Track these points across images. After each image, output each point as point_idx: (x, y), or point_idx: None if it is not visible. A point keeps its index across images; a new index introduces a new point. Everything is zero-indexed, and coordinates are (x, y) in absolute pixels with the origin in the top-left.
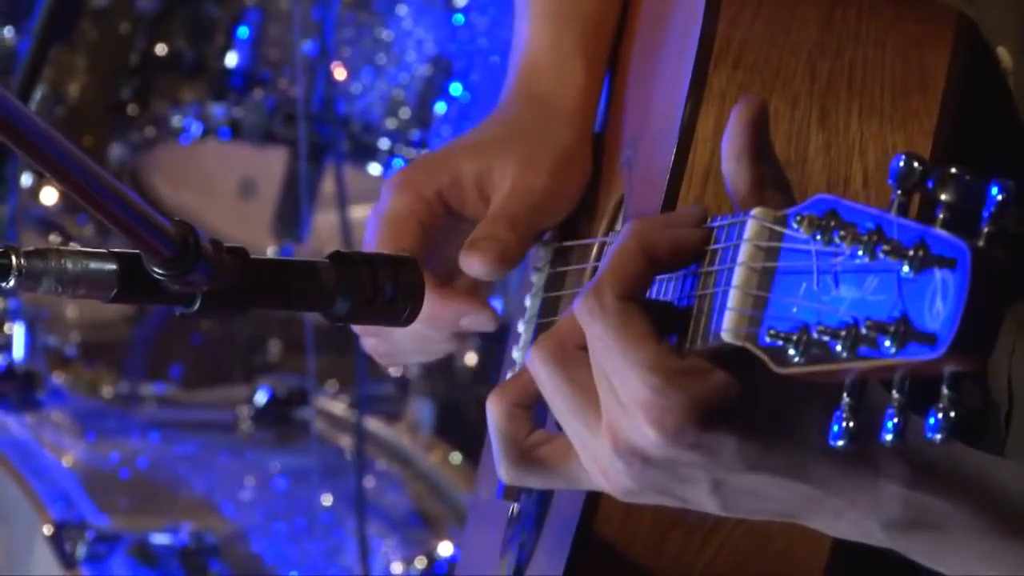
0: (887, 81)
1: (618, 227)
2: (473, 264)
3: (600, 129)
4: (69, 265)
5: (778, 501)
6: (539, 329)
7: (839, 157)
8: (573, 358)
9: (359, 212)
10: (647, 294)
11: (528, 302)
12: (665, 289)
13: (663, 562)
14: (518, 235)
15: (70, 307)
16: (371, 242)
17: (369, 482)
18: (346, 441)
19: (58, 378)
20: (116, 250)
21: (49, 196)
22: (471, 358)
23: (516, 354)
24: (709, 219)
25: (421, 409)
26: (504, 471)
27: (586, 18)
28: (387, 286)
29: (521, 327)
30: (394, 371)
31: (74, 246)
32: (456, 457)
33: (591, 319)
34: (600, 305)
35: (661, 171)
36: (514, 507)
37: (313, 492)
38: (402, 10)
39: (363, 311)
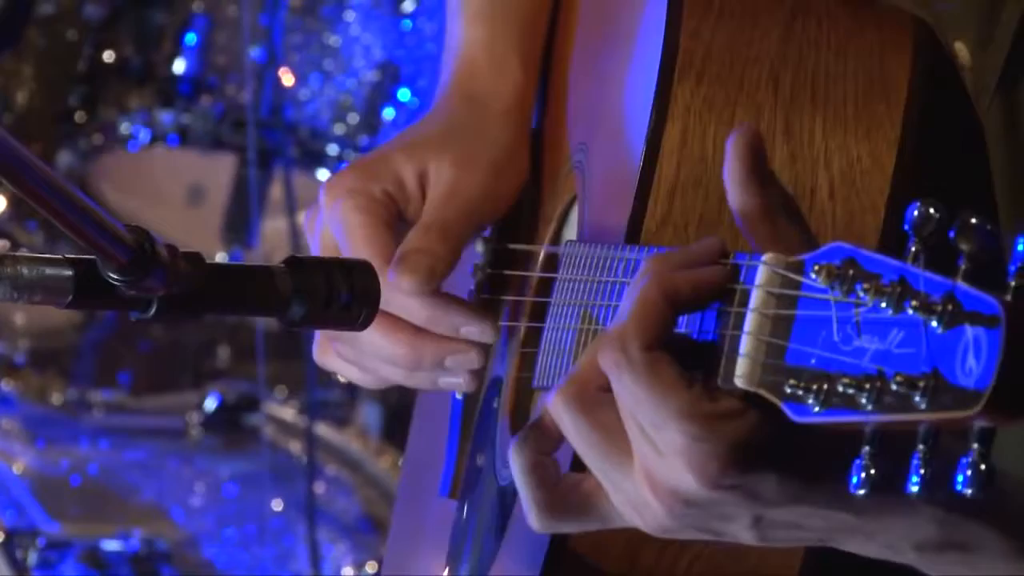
0: (850, 91)
1: (568, 232)
2: (403, 283)
3: (536, 126)
4: (24, 271)
5: (815, 530)
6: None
7: (804, 169)
8: (597, 401)
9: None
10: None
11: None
12: (686, 320)
13: (637, 573)
14: (450, 245)
15: (19, 314)
16: (317, 250)
17: (319, 487)
18: (296, 447)
19: (7, 385)
20: (71, 256)
21: None
22: None
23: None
24: (731, 255)
25: (370, 414)
26: (536, 520)
27: (520, 17)
28: (342, 290)
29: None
30: (343, 377)
31: (25, 252)
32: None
33: (618, 372)
34: (627, 358)
35: (627, 182)
36: (463, 515)
37: (263, 498)
38: (350, 16)
39: (318, 315)
